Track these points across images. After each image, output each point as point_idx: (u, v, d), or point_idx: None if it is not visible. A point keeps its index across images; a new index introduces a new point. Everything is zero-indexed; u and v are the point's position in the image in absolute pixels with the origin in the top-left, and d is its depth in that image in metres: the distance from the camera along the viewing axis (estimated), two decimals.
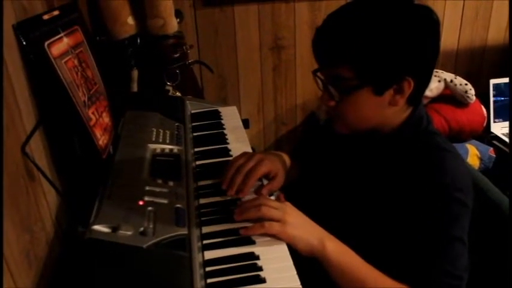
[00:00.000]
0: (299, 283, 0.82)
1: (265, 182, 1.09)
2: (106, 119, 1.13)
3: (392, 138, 0.99)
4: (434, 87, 2.12)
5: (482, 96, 2.24)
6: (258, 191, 1.05)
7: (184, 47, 1.67)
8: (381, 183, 0.98)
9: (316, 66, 0.99)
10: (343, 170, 1.10)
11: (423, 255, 0.89)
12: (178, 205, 0.93)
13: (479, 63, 2.48)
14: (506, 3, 2.37)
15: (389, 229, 0.93)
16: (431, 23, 0.92)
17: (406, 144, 0.98)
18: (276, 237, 0.90)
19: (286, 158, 1.22)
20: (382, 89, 0.92)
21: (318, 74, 0.99)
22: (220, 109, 1.50)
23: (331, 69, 0.94)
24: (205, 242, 0.91)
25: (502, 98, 2.26)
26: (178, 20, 1.68)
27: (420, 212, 0.91)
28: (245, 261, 0.86)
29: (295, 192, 1.10)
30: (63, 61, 0.95)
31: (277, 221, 0.90)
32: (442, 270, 0.87)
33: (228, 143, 1.29)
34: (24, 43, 0.83)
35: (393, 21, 0.89)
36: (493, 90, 2.25)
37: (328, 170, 1.16)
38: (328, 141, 1.20)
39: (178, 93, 1.65)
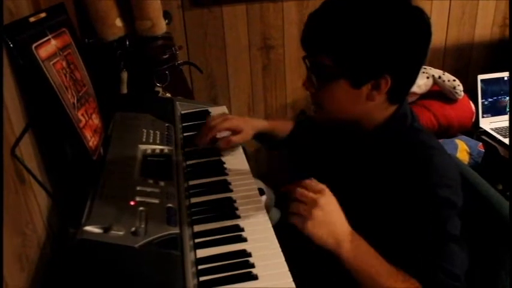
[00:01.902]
0: (291, 279, 0.82)
1: None
2: (96, 120, 1.13)
3: (376, 135, 1.00)
4: (422, 84, 2.14)
5: (471, 92, 2.26)
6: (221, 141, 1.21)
7: (173, 48, 1.67)
8: (368, 180, 0.99)
9: None
10: (333, 166, 1.11)
11: (418, 255, 0.89)
12: (169, 205, 0.93)
13: (467, 60, 2.50)
14: (492, 1, 2.40)
15: (383, 227, 0.93)
16: (418, 25, 0.92)
17: (391, 141, 0.98)
18: (267, 234, 0.91)
19: (261, 123, 1.30)
20: (359, 82, 0.93)
21: (306, 60, 1.00)
22: (210, 109, 1.50)
23: (314, 56, 0.96)
24: (197, 240, 0.92)
25: (489, 99, 2.29)
26: (166, 21, 1.68)
27: (409, 212, 0.91)
28: (237, 259, 0.86)
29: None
30: (51, 63, 0.95)
31: (303, 213, 0.88)
32: (440, 268, 0.87)
33: None
34: (11, 46, 0.83)
35: (378, 18, 0.89)
36: (481, 86, 2.27)
37: (320, 165, 1.17)
38: (318, 134, 1.21)
39: (168, 94, 1.65)
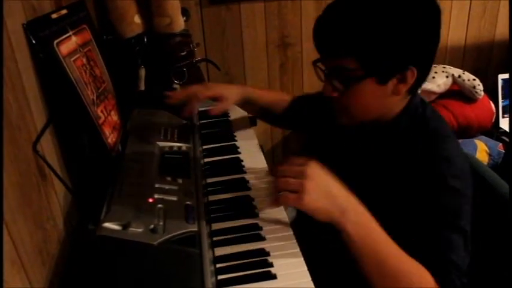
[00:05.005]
0: (310, 279, 0.82)
1: None
2: (115, 117, 1.13)
3: (391, 127, 0.99)
4: (442, 83, 2.11)
5: (491, 91, 2.22)
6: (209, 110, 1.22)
7: (191, 45, 1.67)
8: (385, 173, 0.97)
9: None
10: (349, 163, 1.10)
11: (427, 244, 0.87)
12: (187, 202, 0.93)
13: (487, 59, 2.46)
14: None
15: (396, 218, 0.92)
16: (434, 12, 0.90)
17: (404, 133, 0.97)
18: (286, 233, 0.90)
19: (246, 90, 1.31)
20: (386, 78, 0.91)
21: (319, 64, 0.97)
22: None
23: (334, 59, 0.93)
24: (215, 238, 0.91)
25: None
26: (184, 18, 1.68)
27: (419, 202, 0.89)
28: (256, 258, 0.86)
29: None
30: (72, 59, 0.95)
31: (295, 191, 0.82)
32: (450, 262, 0.86)
33: (235, 140, 1.30)
34: (33, 42, 0.84)
35: (397, 10, 0.87)
36: (502, 85, 2.23)
37: (331, 161, 1.15)
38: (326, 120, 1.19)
39: None
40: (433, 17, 0.90)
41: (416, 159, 0.92)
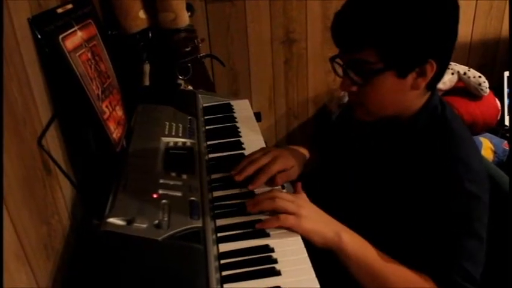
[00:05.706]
0: (314, 275, 0.81)
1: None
2: (119, 112, 1.13)
3: (409, 126, 0.98)
4: (447, 80, 2.10)
5: (496, 89, 2.21)
6: (276, 181, 1.06)
7: (195, 41, 1.67)
8: (398, 172, 0.97)
9: (327, 56, 0.98)
10: (358, 161, 1.10)
11: (437, 250, 0.88)
12: (192, 198, 0.93)
13: (493, 56, 2.45)
14: None
15: (406, 219, 0.92)
16: (452, 5, 0.91)
17: (422, 131, 0.97)
18: (291, 229, 0.90)
19: (305, 152, 1.22)
20: (405, 71, 0.90)
21: (337, 60, 0.97)
22: (233, 102, 1.50)
23: (353, 53, 0.92)
24: (219, 234, 0.91)
25: None
26: (189, 13, 1.67)
27: (433, 204, 0.89)
28: (260, 254, 0.86)
29: (312, 184, 1.09)
30: (77, 54, 0.95)
31: (292, 213, 0.90)
32: (457, 267, 0.86)
33: (240, 136, 1.29)
34: (39, 36, 0.84)
35: (417, 2, 0.87)
36: (507, 82, 2.22)
37: (344, 162, 1.15)
38: (342, 136, 1.19)
39: (190, 87, 1.65)
40: (452, 11, 0.90)
41: (433, 160, 0.92)
